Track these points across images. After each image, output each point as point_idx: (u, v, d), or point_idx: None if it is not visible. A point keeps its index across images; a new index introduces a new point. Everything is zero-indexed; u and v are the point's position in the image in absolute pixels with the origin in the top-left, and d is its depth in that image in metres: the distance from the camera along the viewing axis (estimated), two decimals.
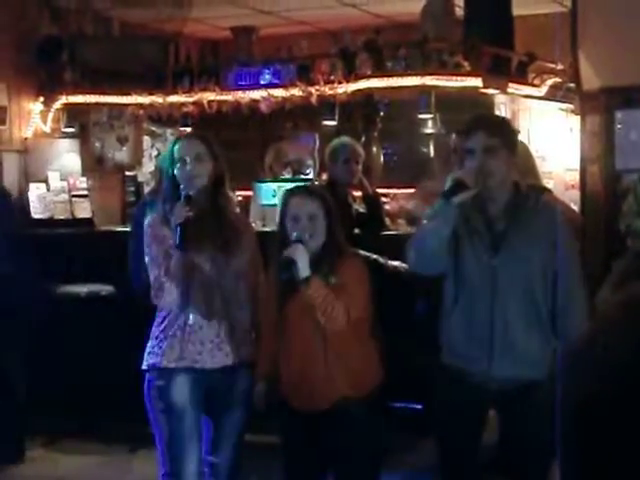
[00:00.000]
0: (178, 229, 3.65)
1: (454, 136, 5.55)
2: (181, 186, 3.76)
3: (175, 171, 3.79)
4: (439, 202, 3.51)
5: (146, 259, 3.83)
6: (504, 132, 3.64)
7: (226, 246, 3.80)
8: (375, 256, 5.13)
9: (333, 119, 7.06)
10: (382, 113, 7.23)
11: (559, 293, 3.52)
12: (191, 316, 3.79)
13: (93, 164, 8.15)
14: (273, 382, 3.81)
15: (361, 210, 5.82)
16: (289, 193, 3.82)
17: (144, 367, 3.87)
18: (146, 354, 3.87)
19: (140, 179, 8.25)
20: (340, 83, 6.89)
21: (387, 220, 6.22)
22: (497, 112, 7.27)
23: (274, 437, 3.92)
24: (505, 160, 3.55)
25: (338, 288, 3.59)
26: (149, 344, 3.88)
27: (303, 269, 3.54)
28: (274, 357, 3.80)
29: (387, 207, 6.50)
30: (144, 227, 3.89)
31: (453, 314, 3.64)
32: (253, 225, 6.69)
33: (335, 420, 3.65)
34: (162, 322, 3.84)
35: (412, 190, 6.81)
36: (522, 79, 7.27)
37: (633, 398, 1.25)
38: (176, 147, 3.83)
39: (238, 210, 6.56)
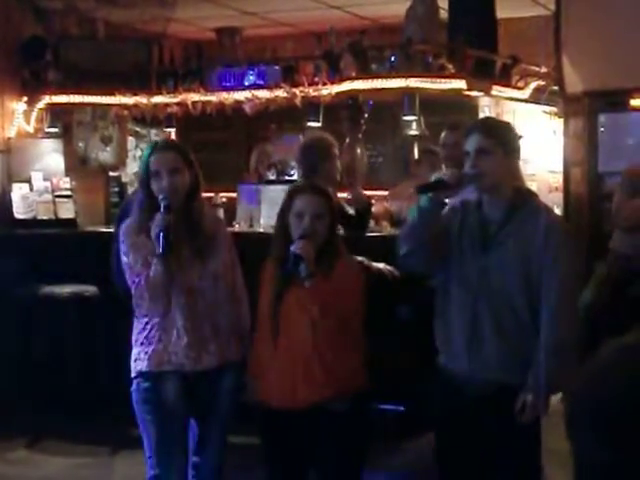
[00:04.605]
0: (161, 237, 3.63)
1: (444, 132, 5.57)
2: (159, 196, 3.72)
3: (151, 183, 3.76)
4: (421, 198, 3.54)
5: (124, 267, 3.82)
6: (501, 135, 3.62)
7: (202, 250, 3.80)
8: (361, 258, 5.12)
9: (317, 120, 7.05)
10: (366, 115, 7.23)
11: (548, 298, 3.49)
12: (176, 320, 3.79)
13: (77, 164, 8.13)
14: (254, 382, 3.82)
15: (350, 211, 5.80)
16: (294, 189, 3.80)
17: (132, 374, 3.87)
18: (132, 362, 3.88)
19: (124, 179, 8.23)
20: (324, 85, 6.89)
21: (371, 222, 6.21)
22: (481, 114, 7.31)
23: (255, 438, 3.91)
24: (500, 162, 3.54)
25: (338, 288, 3.60)
26: (134, 351, 3.88)
27: (308, 265, 3.55)
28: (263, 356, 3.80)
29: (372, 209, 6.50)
30: (119, 235, 3.88)
31: (442, 315, 3.65)
32: (237, 227, 6.72)
33: (315, 421, 3.65)
34: (144, 328, 3.84)
35: (394, 188, 6.83)
36: (506, 82, 7.29)
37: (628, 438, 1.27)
38: (151, 159, 3.79)
39: (220, 215, 6.57)
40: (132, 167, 8.41)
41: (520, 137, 3.85)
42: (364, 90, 6.85)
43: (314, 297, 3.58)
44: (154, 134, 8.52)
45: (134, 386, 3.86)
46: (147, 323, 3.83)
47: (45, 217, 7.49)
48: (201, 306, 3.81)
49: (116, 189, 8.14)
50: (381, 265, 5.01)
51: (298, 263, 3.54)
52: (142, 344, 3.84)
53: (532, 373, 3.47)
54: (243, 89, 7.29)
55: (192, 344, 3.79)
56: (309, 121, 7.12)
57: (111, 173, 8.25)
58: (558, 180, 7.40)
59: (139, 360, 3.84)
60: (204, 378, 3.83)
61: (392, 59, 6.76)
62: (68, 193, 7.71)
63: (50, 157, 7.93)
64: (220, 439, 3.94)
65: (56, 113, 7.84)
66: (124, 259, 3.81)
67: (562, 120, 6.79)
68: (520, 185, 3.70)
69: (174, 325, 3.79)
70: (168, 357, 3.79)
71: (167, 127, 7.94)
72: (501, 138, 3.59)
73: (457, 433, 3.64)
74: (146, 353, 3.82)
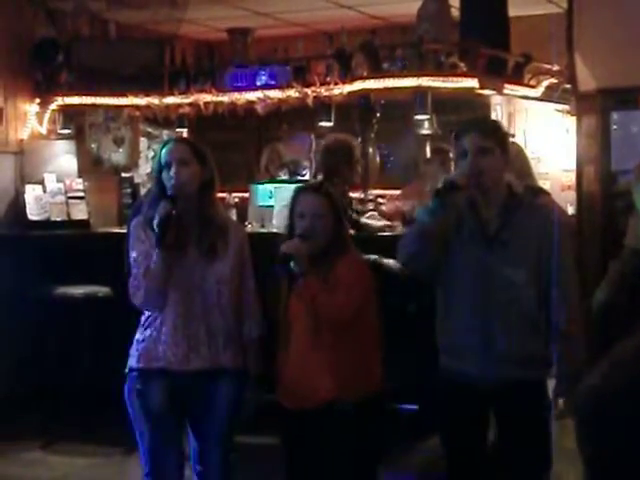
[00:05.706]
0: (158, 226, 3.63)
1: (453, 136, 5.55)
2: (167, 189, 3.74)
3: (162, 174, 3.77)
4: (432, 201, 3.53)
5: (130, 261, 3.81)
6: (497, 134, 3.65)
7: (211, 250, 3.76)
8: (374, 256, 5.12)
9: (329, 120, 7.06)
10: (378, 114, 7.22)
11: (553, 293, 3.52)
12: (168, 317, 3.75)
13: (89, 165, 8.14)
14: (266, 382, 3.82)
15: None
16: (298, 190, 3.84)
17: (126, 369, 3.85)
18: (129, 357, 3.87)
19: (136, 180, 8.25)
20: (336, 84, 6.90)
21: (383, 221, 6.21)
22: (493, 113, 7.29)
23: (269, 438, 3.92)
24: (498, 161, 3.57)
25: (334, 285, 3.60)
26: (132, 346, 3.87)
27: (299, 264, 3.55)
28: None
29: (383, 208, 6.50)
30: (130, 230, 3.88)
31: (446, 315, 3.64)
32: (249, 227, 6.73)
33: (323, 420, 3.65)
34: (143, 324, 3.83)
35: (406, 188, 6.81)
36: (518, 80, 7.28)
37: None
38: (163, 151, 3.81)
39: (232, 215, 6.59)
40: (145, 168, 8.42)
41: (512, 136, 3.87)
42: (376, 89, 6.84)
43: (309, 296, 3.60)
44: (166, 135, 8.52)
45: (126, 382, 3.83)
46: (146, 319, 3.82)
47: (58, 218, 7.52)
48: (198, 307, 3.75)
49: (129, 190, 8.15)
50: (391, 262, 5.01)
51: (287, 261, 3.56)
52: (137, 340, 3.83)
53: (560, 362, 3.51)
54: (255, 89, 7.30)
55: (180, 343, 3.73)
56: (321, 121, 7.13)
57: (124, 174, 8.26)
58: (571, 178, 7.37)
59: (131, 356, 3.84)
60: (195, 381, 3.75)
61: (404, 58, 6.75)
62: (81, 194, 7.74)
63: (63, 158, 7.96)
64: (222, 449, 3.83)
65: (69, 114, 7.86)
66: (131, 253, 3.82)
67: (575, 118, 6.75)
68: (511, 183, 3.70)
69: (166, 322, 3.75)
70: (156, 354, 3.75)
71: (179, 128, 7.95)
72: (498, 138, 3.63)
73: (465, 433, 3.64)
74: (137, 350, 3.81)
